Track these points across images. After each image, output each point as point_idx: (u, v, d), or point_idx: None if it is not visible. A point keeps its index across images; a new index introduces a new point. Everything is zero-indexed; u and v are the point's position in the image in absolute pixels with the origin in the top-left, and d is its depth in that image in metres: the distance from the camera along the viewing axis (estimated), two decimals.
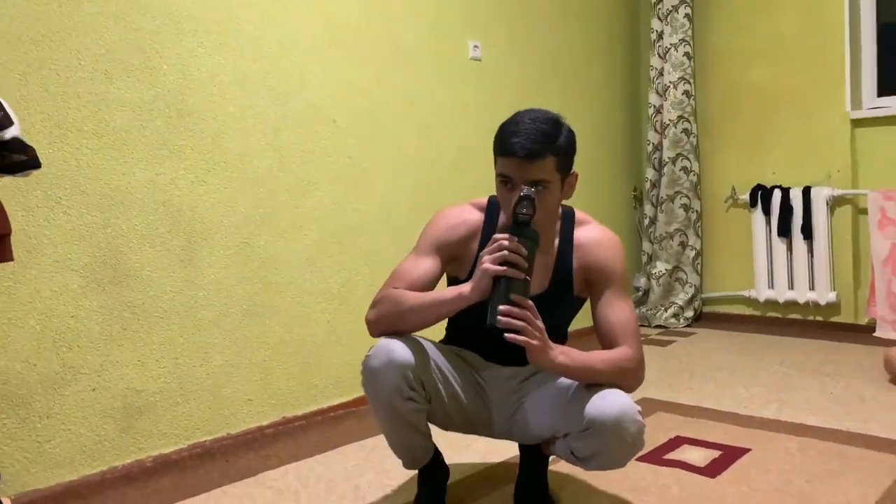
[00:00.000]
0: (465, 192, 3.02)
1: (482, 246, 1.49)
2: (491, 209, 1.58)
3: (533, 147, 1.39)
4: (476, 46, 3.07)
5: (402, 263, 1.56)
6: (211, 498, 1.87)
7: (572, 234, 1.56)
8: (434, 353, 1.55)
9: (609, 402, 1.38)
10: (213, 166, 2.22)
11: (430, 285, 1.52)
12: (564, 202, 1.55)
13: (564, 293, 1.56)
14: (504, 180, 1.43)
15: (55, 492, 1.88)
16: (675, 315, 3.77)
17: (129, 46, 2.02)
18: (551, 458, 1.71)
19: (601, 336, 1.52)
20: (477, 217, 1.58)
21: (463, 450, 2.06)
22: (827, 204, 3.38)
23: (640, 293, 3.96)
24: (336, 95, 2.55)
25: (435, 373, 1.52)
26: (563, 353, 1.40)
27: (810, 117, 3.49)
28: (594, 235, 1.56)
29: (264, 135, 2.34)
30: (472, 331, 1.55)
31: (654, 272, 3.84)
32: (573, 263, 1.55)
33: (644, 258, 3.96)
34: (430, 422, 1.59)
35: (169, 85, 2.11)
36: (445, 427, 1.63)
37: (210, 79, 2.21)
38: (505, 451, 2.02)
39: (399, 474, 1.91)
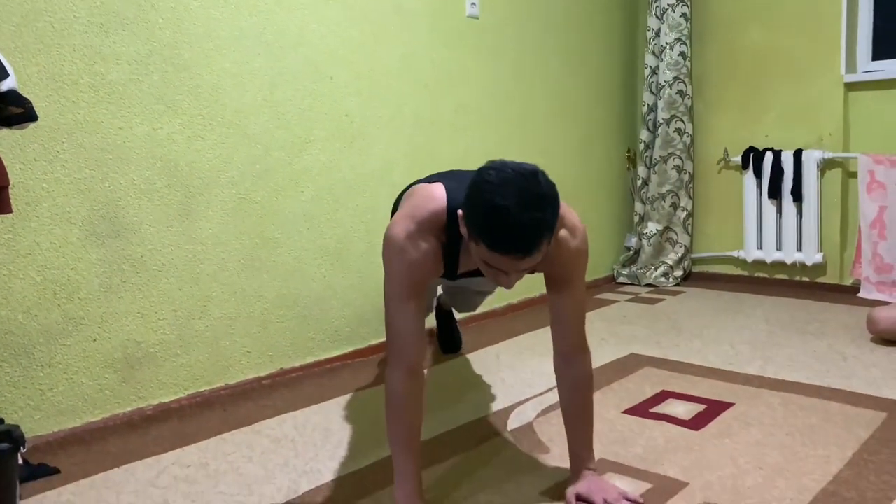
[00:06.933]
0: (462, 151, 3.00)
1: (448, 259, 1.44)
2: (451, 226, 1.41)
3: (536, 247, 1.22)
4: (473, 3, 3.00)
5: (394, 318, 1.42)
6: (210, 444, 1.89)
7: None
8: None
9: None
10: (210, 122, 2.19)
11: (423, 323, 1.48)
12: None
13: None
14: (491, 267, 1.28)
15: (58, 438, 1.90)
16: (665, 274, 3.79)
17: None
18: None
19: (554, 320, 1.53)
20: (435, 242, 1.42)
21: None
22: (817, 167, 3.37)
23: (632, 252, 3.97)
24: (333, 52, 2.51)
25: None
26: (592, 463, 1.55)
27: (804, 80, 3.45)
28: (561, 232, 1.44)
29: (260, 90, 2.31)
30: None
31: (645, 232, 3.84)
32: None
33: (636, 219, 3.96)
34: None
35: (165, 39, 2.07)
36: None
37: (206, 33, 2.17)
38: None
39: None
